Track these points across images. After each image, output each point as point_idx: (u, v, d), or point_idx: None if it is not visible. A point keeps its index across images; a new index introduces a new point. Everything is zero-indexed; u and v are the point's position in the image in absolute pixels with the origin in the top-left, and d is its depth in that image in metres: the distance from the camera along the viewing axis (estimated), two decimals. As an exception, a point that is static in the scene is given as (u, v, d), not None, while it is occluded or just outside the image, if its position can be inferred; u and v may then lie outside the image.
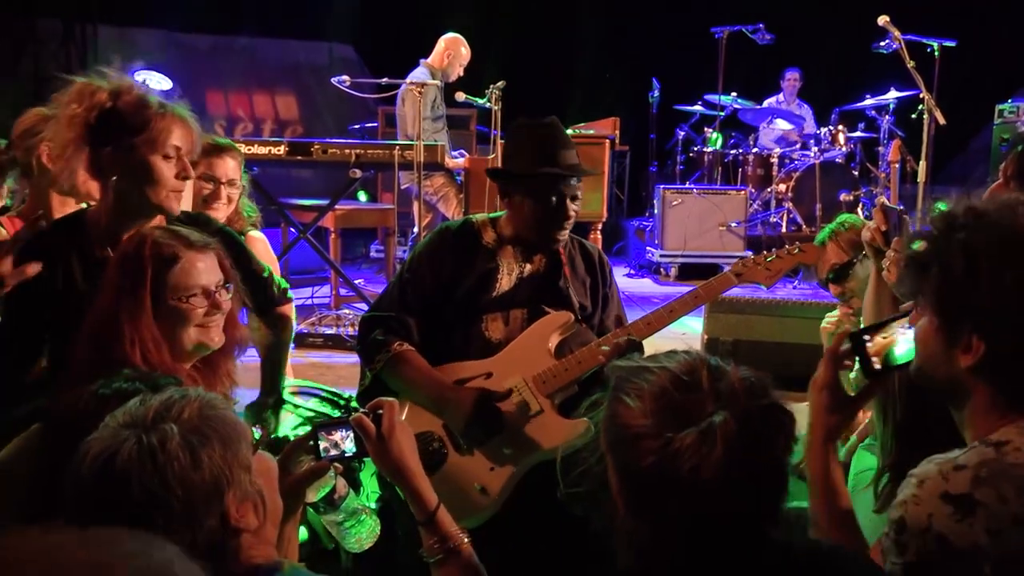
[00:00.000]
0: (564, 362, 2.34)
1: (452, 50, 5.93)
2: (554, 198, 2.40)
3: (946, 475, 1.22)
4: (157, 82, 7.52)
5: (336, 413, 2.66)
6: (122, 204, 2.11)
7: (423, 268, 2.49)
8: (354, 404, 2.67)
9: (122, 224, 2.12)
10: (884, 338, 1.46)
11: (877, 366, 1.45)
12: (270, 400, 2.42)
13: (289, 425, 2.64)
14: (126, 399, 1.38)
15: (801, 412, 3.62)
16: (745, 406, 1.10)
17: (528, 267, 2.50)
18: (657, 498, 1.12)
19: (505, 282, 2.47)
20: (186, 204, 2.42)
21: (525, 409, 2.31)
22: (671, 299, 2.46)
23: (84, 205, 2.43)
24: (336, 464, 1.51)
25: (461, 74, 6.01)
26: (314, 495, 1.51)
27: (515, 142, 2.54)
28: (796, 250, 2.47)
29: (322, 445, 1.48)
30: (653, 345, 2.13)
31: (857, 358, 1.46)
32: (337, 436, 1.48)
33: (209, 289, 1.90)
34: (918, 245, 1.35)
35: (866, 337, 1.46)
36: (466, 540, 1.46)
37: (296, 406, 2.62)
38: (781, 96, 8.33)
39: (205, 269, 1.90)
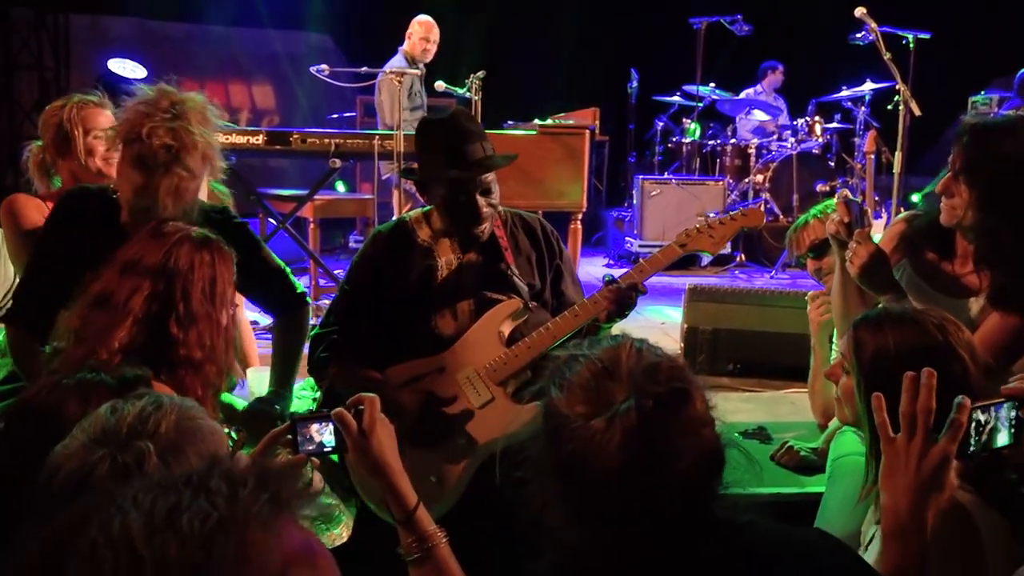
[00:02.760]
0: (514, 349, 2.34)
1: (427, 33, 5.90)
2: (462, 198, 2.37)
3: None
4: (131, 71, 7.44)
5: None
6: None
7: (360, 277, 2.49)
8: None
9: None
10: (987, 421, 1.36)
11: (973, 447, 1.35)
12: (277, 401, 2.41)
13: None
14: (88, 392, 1.36)
15: (780, 401, 3.62)
16: (645, 392, 1.12)
17: (467, 257, 2.47)
18: (575, 488, 1.14)
19: (446, 275, 2.45)
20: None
21: (476, 399, 2.31)
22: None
23: None
24: (313, 458, 1.48)
25: (435, 50, 5.98)
26: None
27: (420, 142, 2.48)
28: (740, 214, 2.47)
29: (299, 439, 1.45)
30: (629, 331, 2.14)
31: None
32: (314, 429, 1.46)
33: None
34: None
35: (977, 412, 1.35)
36: (444, 540, 1.44)
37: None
38: (760, 87, 8.37)
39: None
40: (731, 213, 2.47)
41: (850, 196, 2.29)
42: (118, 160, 2.22)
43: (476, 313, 2.41)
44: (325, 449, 1.46)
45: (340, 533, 1.57)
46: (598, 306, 2.34)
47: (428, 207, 2.54)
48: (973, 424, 1.34)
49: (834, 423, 2.57)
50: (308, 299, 2.60)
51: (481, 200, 2.37)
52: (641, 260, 2.43)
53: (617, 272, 2.45)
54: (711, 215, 7.21)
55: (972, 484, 1.47)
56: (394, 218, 2.71)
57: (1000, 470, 1.46)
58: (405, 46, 5.88)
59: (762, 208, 2.53)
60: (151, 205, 2.15)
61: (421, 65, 5.82)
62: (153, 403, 1.17)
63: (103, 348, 1.71)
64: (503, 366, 2.32)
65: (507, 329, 2.39)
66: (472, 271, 2.45)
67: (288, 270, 2.55)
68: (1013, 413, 1.35)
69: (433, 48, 5.93)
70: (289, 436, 1.46)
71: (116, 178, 2.28)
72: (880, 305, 2.04)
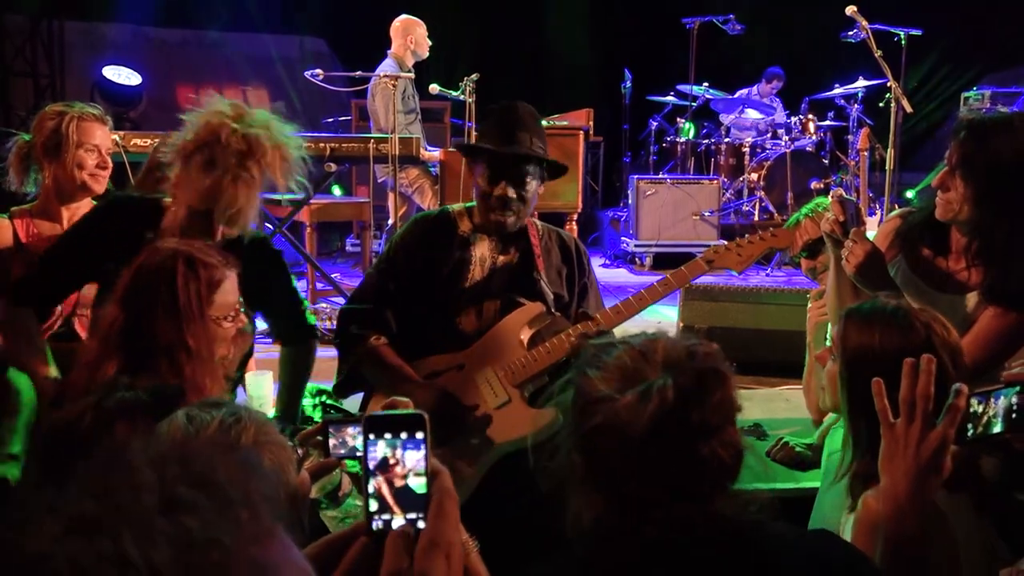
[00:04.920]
0: (534, 352, 2.35)
1: (411, 33, 5.89)
2: (489, 178, 2.42)
3: None
4: (127, 77, 7.44)
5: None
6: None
7: (399, 258, 2.51)
8: (316, 414, 2.67)
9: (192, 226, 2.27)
10: (984, 409, 1.38)
11: (971, 433, 1.37)
12: (284, 429, 2.41)
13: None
14: (131, 410, 1.37)
15: (775, 398, 3.64)
16: (683, 368, 1.15)
17: (502, 258, 2.50)
18: (601, 456, 1.16)
19: (477, 273, 2.47)
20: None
21: (492, 400, 2.32)
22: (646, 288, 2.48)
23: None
24: (343, 461, 1.48)
25: (431, 43, 5.97)
26: (317, 490, 1.48)
27: (482, 121, 2.60)
28: (769, 235, 2.48)
29: (331, 442, 1.44)
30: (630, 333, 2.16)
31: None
32: (347, 433, 1.44)
33: (237, 308, 1.94)
34: None
35: (974, 400, 1.37)
36: (476, 548, 1.45)
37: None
38: (757, 89, 8.38)
39: (234, 288, 1.94)
40: (760, 233, 2.48)
41: (844, 195, 2.30)
42: (181, 168, 2.24)
43: (501, 314, 2.43)
44: (358, 453, 1.44)
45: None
46: (620, 316, 2.38)
47: (471, 203, 2.57)
48: (970, 411, 1.36)
49: (828, 419, 2.59)
50: (317, 333, 2.65)
51: (510, 189, 2.41)
52: (667, 275, 2.45)
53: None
54: (707, 214, 7.24)
55: (950, 486, 1.48)
56: (437, 207, 2.81)
57: (978, 472, 1.47)
58: (393, 49, 5.89)
59: (788, 230, 2.55)
60: (213, 208, 2.23)
61: (411, 67, 5.83)
62: (231, 415, 1.16)
63: (94, 381, 1.69)
64: (522, 369, 2.34)
65: (528, 332, 2.40)
66: (504, 273, 2.48)
67: (307, 304, 2.61)
68: (1013, 400, 1.36)
69: (423, 43, 5.91)
70: (320, 438, 1.46)
71: (177, 187, 2.29)
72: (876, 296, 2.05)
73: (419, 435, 0.85)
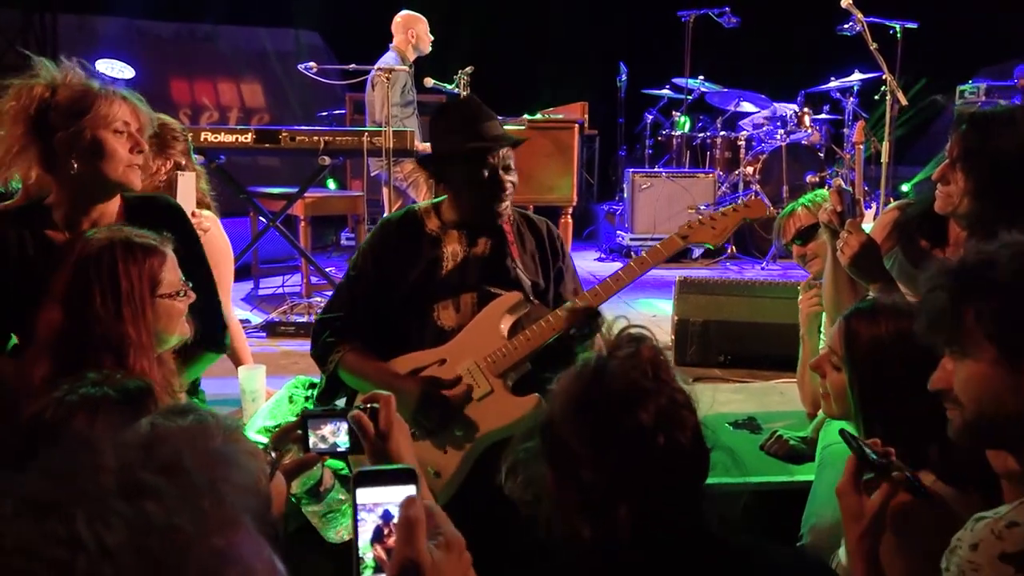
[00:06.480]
0: (514, 341, 2.35)
1: (412, 27, 5.89)
2: (486, 171, 2.39)
3: (1000, 534, 1.18)
4: (120, 71, 7.41)
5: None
6: (81, 187, 2.13)
7: (367, 264, 2.49)
8: (309, 405, 2.65)
9: (84, 208, 2.15)
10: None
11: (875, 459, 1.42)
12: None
13: None
14: (95, 405, 1.35)
15: (770, 391, 3.63)
16: (607, 348, 1.22)
17: (474, 250, 2.48)
18: (559, 470, 1.20)
19: (451, 267, 2.46)
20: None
21: (476, 391, 2.33)
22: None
23: None
24: (322, 455, 1.45)
25: (432, 39, 5.96)
26: (297, 487, 1.46)
27: (438, 125, 2.50)
28: (742, 206, 2.47)
29: (311, 438, 1.41)
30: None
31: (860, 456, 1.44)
32: (327, 429, 1.41)
33: (184, 284, 1.90)
34: (935, 295, 1.31)
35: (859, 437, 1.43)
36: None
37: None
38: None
39: (175, 263, 1.89)
40: (733, 204, 2.47)
41: (843, 185, 2.30)
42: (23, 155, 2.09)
43: (479, 306, 2.42)
44: (339, 450, 1.41)
45: (348, 528, 1.56)
46: (598, 297, 2.37)
47: (438, 199, 2.55)
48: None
49: (823, 412, 2.59)
50: (228, 342, 2.49)
51: (505, 175, 2.40)
52: (643, 252, 2.44)
53: (611, 265, 2.48)
54: (703, 207, 7.24)
55: (950, 479, 1.48)
56: (403, 208, 2.73)
57: (988, 471, 1.47)
58: (395, 43, 5.88)
59: (760, 198, 2.52)
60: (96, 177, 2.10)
61: (411, 62, 5.82)
62: (198, 423, 1.16)
63: (27, 384, 1.66)
64: (503, 358, 2.34)
65: (508, 322, 2.39)
66: (477, 264, 2.47)
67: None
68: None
69: (425, 37, 5.91)
70: (300, 433, 1.42)
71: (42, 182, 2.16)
72: (869, 296, 2.06)
73: (409, 489, 0.82)
